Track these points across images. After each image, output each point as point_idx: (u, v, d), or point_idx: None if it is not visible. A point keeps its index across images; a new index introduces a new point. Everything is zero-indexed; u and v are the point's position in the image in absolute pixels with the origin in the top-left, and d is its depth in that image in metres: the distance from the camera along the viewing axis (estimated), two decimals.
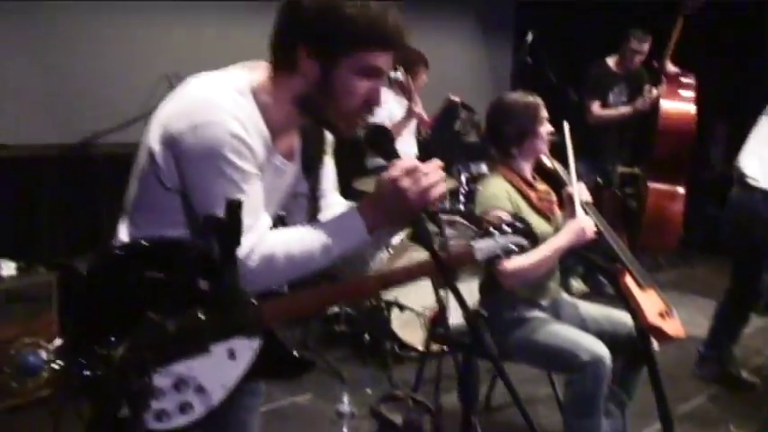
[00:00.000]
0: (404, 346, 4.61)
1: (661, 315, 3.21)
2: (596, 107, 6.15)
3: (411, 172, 1.82)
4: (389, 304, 4.43)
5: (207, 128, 1.75)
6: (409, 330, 4.56)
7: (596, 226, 3.22)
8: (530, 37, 6.02)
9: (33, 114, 4.94)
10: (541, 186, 3.42)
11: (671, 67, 6.11)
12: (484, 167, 5.53)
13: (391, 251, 4.38)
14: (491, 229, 2.10)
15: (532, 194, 3.33)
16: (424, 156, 4.82)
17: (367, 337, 4.67)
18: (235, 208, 1.60)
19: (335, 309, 4.76)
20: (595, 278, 6.08)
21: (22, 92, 4.88)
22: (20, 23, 4.82)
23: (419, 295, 4.36)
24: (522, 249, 2.13)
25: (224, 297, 1.73)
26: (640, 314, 3.15)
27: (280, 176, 1.99)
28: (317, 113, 1.90)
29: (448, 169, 5.42)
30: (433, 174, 1.83)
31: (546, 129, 3.37)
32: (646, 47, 6.11)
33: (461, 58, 6.70)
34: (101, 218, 4.89)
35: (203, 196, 1.79)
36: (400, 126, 5.19)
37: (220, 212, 1.66)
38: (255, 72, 1.90)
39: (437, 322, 3.65)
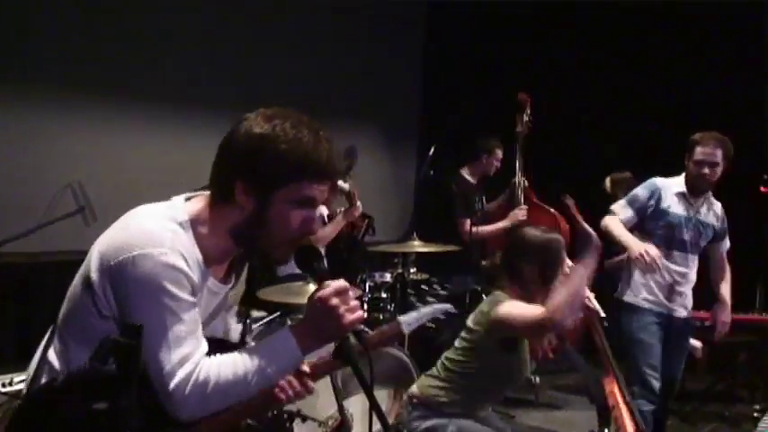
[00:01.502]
0: None
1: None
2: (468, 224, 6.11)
3: (341, 292, 1.90)
4: (291, 415, 4.39)
5: (146, 259, 1.79)
6: None
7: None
8: (432, 150, 6.24)
9: None
10: None
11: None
12: (387, 276, 5.61)
13: None
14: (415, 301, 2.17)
15: None
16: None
17: None
18: (134, 332, 1.61)
19: None
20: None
21: None
22: None
23: (323, 405, 4.34)
24: (449, 315, 2.21)
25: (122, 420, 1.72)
26: (623, 429, 3.23)
27: (214, 298, 2.03)
28: (253, 244, 1.97)
29: (353, 278, 5.54)
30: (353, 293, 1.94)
31: (567, 265, 3.35)
32: (499, 155, 6.35)
33: (367, 169, 6.86)
34: None
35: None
36: (336, 226, 5.29)
37: (159, 343, 1.73)
38: (196, 202, 1.96)
39: None
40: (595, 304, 3.63)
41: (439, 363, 3.49)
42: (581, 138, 7.11)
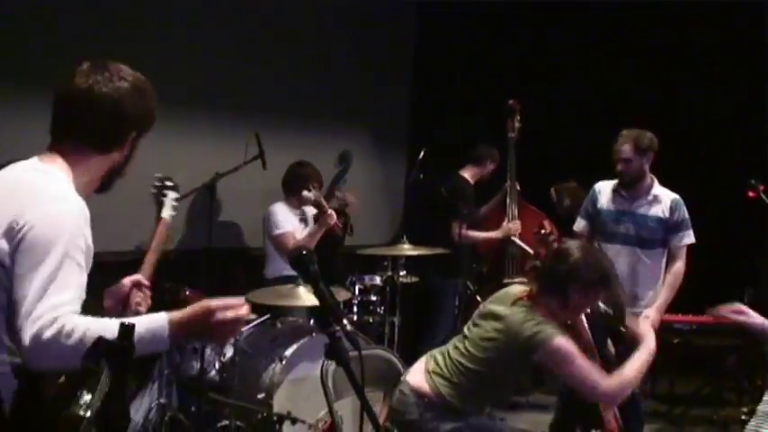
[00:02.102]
0: None
1: None
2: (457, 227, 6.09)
3: (225, 308, 2.00)
4: (281, 417, 4.39)
5: (60, 217, 1.94)
6: None
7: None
8: (422, 154, 6.27)
9: None
10: None
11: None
12: (377, 279, 5.63)
13: None
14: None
15: None
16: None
17: None
18: (128, 332, 1.65)
19: (225, 421, 4.68)
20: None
21: None
22: None
23: (313, 407, 4.35)
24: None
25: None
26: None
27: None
28: (111, 185, 2.25)
29: (341, 281, 5.55)
30: (242, 310, 2.03)
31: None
32: (495, 165, 6.47)
33: (357, 172, 6.87)
34: None
35: (47, 280, 1.86)
36: (312, 237, 5.29)
37: (67, 296, 1.83)
38: (59, 161, 2.09)
39: None
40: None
41: (449, 362, 3.37)
42: (573, 140, 7.11)
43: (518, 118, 6.26)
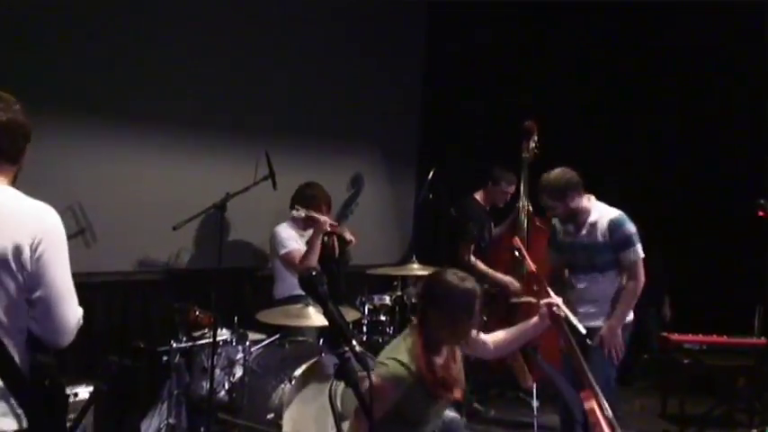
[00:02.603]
0: None
1: None
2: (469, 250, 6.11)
3: None
4: None
5: (59, 225, 2.44)
6: None
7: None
8: (431, 174, 6.29)
9: None
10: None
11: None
12: (386, 299, 5.64)
13: None
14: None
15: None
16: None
17: None
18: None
19: None
20: None
21: None
22: None
23: (321, 427, 4.35)
24: None
25: None
26: None
27: None
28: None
29: (352, 300, 5.56)
30: None
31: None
32: (513, 188, 6.36)
33: (367, 192, 6.90)
34: None
35: (63, 282, 2.39)
36: (314, 248, 5.39)
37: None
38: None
39: None
40: (564, 310, 3.62)
41: None
42: (586, 156, 7.10)
43: (535, 138, 6.24)
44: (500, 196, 6.38)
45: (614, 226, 4.67)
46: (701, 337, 5.92)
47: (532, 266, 3.90)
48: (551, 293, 3.66)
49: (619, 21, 7.27)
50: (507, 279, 6.13)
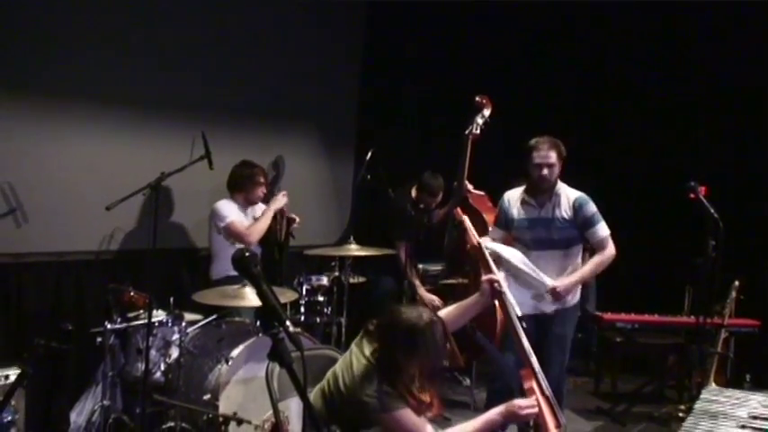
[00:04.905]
0: None
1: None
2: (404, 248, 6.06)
3: None
4: (227, 418, 4.37)
5: None
6: None
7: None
8: (370, 154, 6.28)
9: None
10: None
11: (469, 188, 5.91)
12: (324, 279, 5.63)
13: None
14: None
15: None
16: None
17: None
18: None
19: (170, 423, 4.65)
20: None
21: None
22: None
23: (259, 407, 4.34)
24: None
25: None
26: (543, 425, 3.22)
27: None
28: None
29: (288, 282, 5.55)
30: None
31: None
32: (438, 198, 6.20)
33: (304, 172, 6.87)
34: None
35: None
36: (266, 219, 5.53)
37: None
38: None
39: None
40: (504, 288, 3.61)
41: None
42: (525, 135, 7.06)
43: (485, 114, 5.74)
44: (427, 200, 6.18)
45: (579, 205, 4.77)
46: (633, 316, 6.05)
47: (475, 240, 3.89)
48: (494, 269, 3.67)
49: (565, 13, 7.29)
50: (428, 298, 6.03)
